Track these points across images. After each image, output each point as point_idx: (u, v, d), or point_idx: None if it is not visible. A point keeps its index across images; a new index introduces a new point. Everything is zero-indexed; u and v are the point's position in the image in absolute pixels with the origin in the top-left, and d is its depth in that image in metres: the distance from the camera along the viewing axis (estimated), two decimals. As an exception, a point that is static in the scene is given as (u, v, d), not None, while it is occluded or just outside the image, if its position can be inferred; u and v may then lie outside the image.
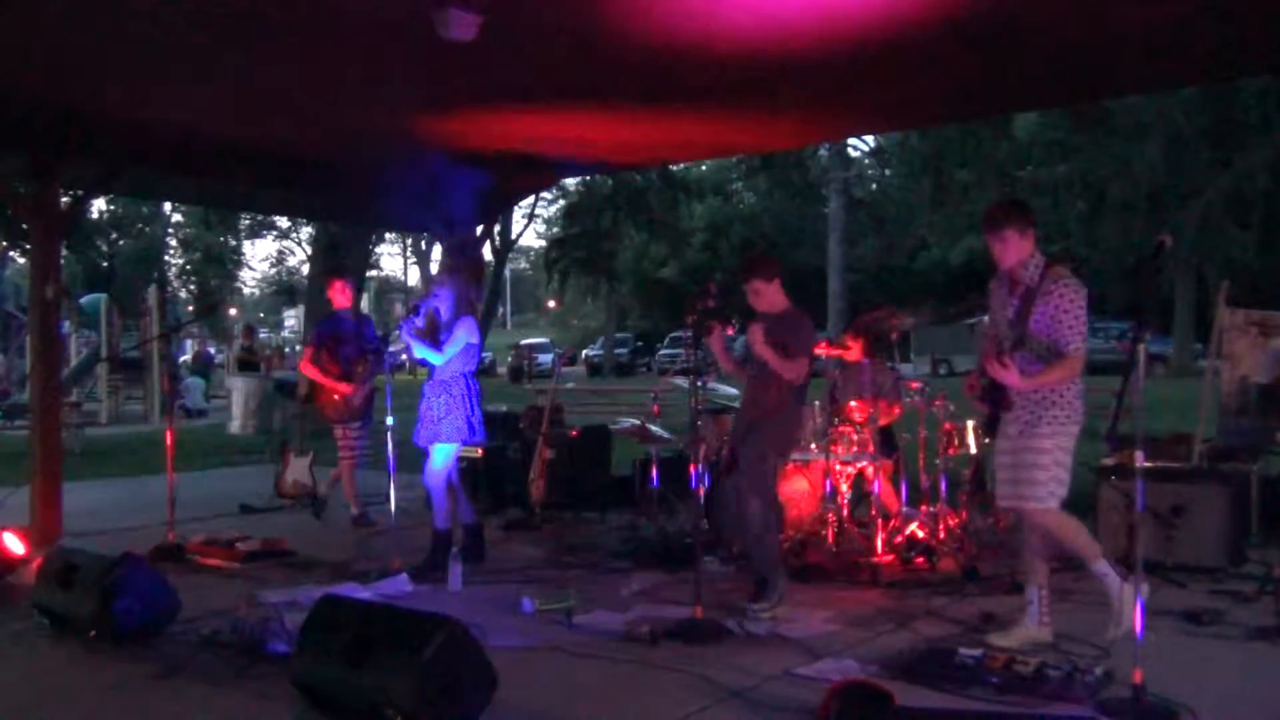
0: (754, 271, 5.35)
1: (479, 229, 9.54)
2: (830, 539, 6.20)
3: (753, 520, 5.18)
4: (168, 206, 40.15)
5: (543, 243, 48.38)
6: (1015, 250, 4.50)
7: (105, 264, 39.35)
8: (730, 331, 5.39)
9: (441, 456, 6.17)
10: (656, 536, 6.86)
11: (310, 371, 7.79)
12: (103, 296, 22.26)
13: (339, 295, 7.89)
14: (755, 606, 5.05)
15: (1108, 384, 4.91)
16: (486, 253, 16.88)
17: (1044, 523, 4.48)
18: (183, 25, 5.13)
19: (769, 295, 5.33)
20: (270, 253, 58.58)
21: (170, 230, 44.27)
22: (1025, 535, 4.68)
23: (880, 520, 6.05)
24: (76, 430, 13.65)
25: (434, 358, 6.13)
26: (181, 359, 33.91)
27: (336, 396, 7.64)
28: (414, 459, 6.55)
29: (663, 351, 40.23)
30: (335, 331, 7.80)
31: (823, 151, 36.30)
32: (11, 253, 31.86)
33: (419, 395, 6.31)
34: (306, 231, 38.91)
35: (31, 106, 6.49)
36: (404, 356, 25.23)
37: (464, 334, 6.15)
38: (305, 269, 37.04)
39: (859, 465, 6.38)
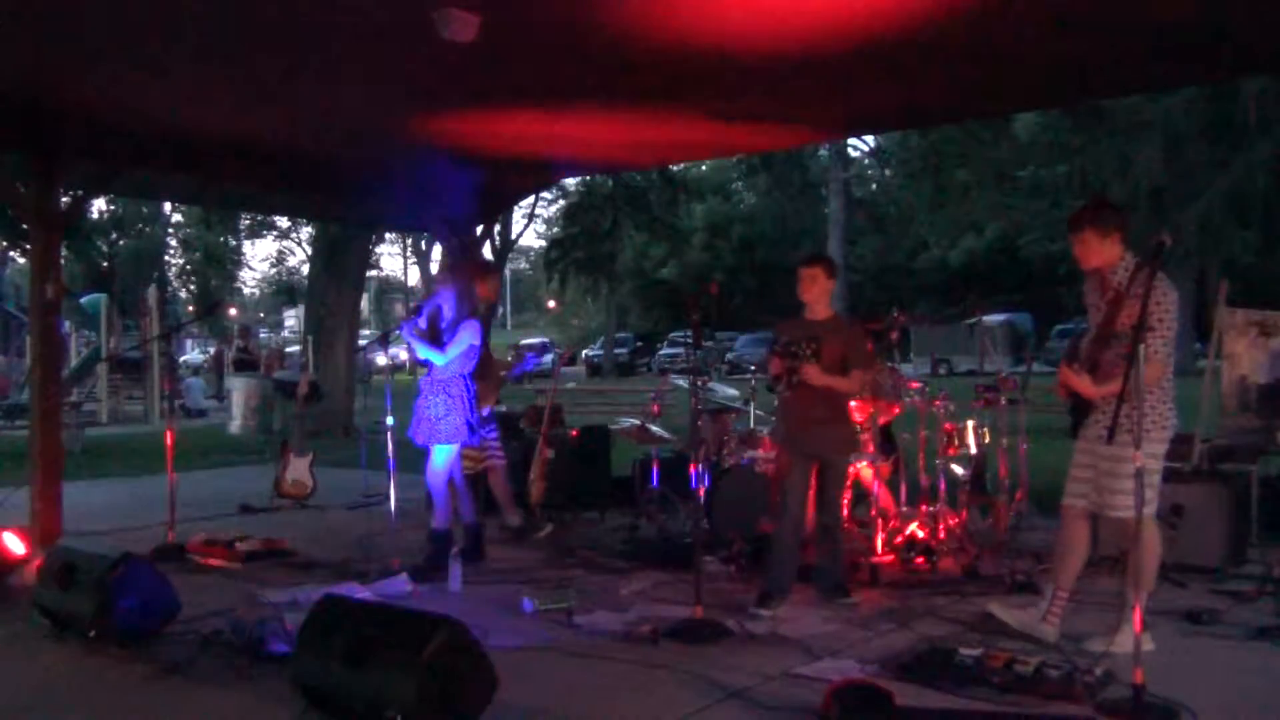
0: (818, 262, 5.51)
1: (479, 229, 9.53)
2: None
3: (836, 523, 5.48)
4: (168, 206, 40.11)
5: (543, 243, 48.42)
6: (1096, 253, 4.43)
7: (105, 264, 39.29)
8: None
9: (442, 457, 6.18)
10: (656, 536, 6.86)
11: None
12: (103, 296, 22.25)
13: (482, 288, 6.89)
14: (763, 612, 5.08)
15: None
16: (486, 252, 16.83)
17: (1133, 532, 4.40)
18: (183, 25, 5.14)
19: (819, 290, 5.41)
20: (270, 253, 58.58)
21: (170, 230, 44.23)
22: (1060, 535, 4.64)
23: (880, 520, 6.06)
24: (76, 430, 13.64)
25: (437, 358, 6.14)
26: (183, 358, 33.93)
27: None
28: (415, 459, 6.55)
29: (663, 351, 40.25)
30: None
31: (823, 151, 36.33)
32: (11, 253, 31.85)
33: (416, 393, 6.31)
34: (306, 231, 38.86)
35: (31, 106, 6.49)
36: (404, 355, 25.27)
37: (468, 335, 6.15)
38: (305, 269, 37.04)
39: (858, 466, 6.38)
